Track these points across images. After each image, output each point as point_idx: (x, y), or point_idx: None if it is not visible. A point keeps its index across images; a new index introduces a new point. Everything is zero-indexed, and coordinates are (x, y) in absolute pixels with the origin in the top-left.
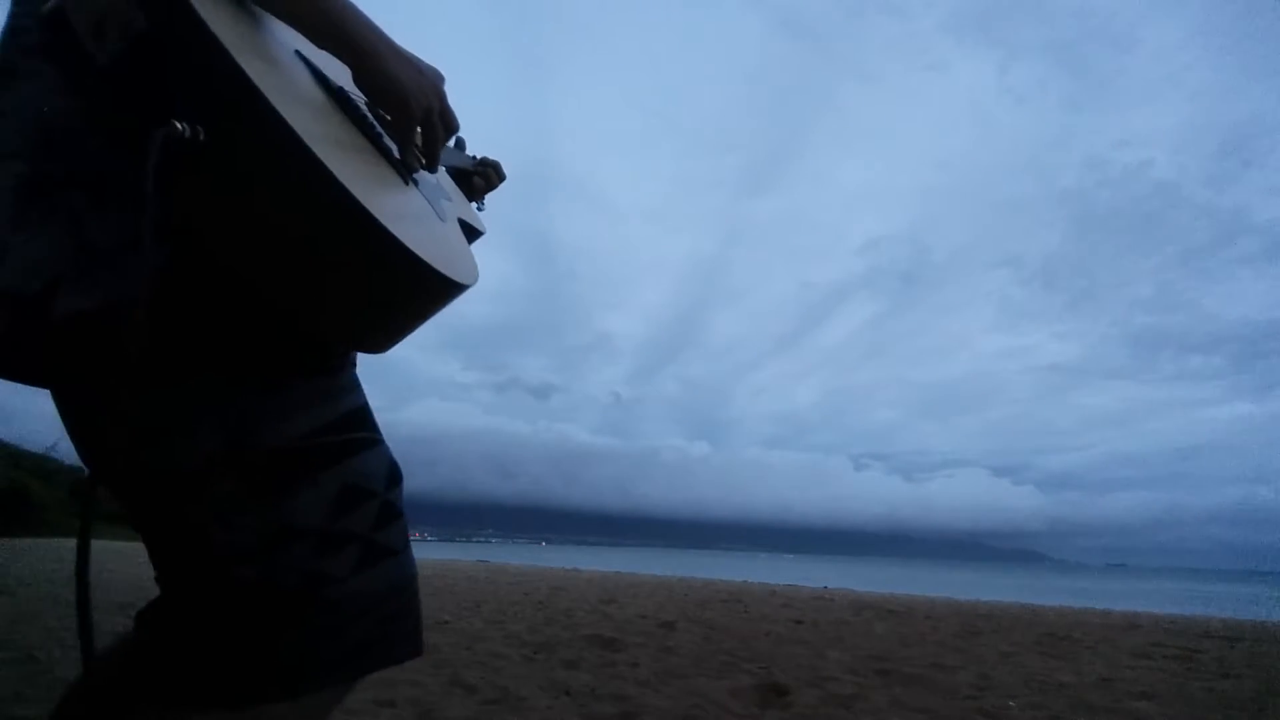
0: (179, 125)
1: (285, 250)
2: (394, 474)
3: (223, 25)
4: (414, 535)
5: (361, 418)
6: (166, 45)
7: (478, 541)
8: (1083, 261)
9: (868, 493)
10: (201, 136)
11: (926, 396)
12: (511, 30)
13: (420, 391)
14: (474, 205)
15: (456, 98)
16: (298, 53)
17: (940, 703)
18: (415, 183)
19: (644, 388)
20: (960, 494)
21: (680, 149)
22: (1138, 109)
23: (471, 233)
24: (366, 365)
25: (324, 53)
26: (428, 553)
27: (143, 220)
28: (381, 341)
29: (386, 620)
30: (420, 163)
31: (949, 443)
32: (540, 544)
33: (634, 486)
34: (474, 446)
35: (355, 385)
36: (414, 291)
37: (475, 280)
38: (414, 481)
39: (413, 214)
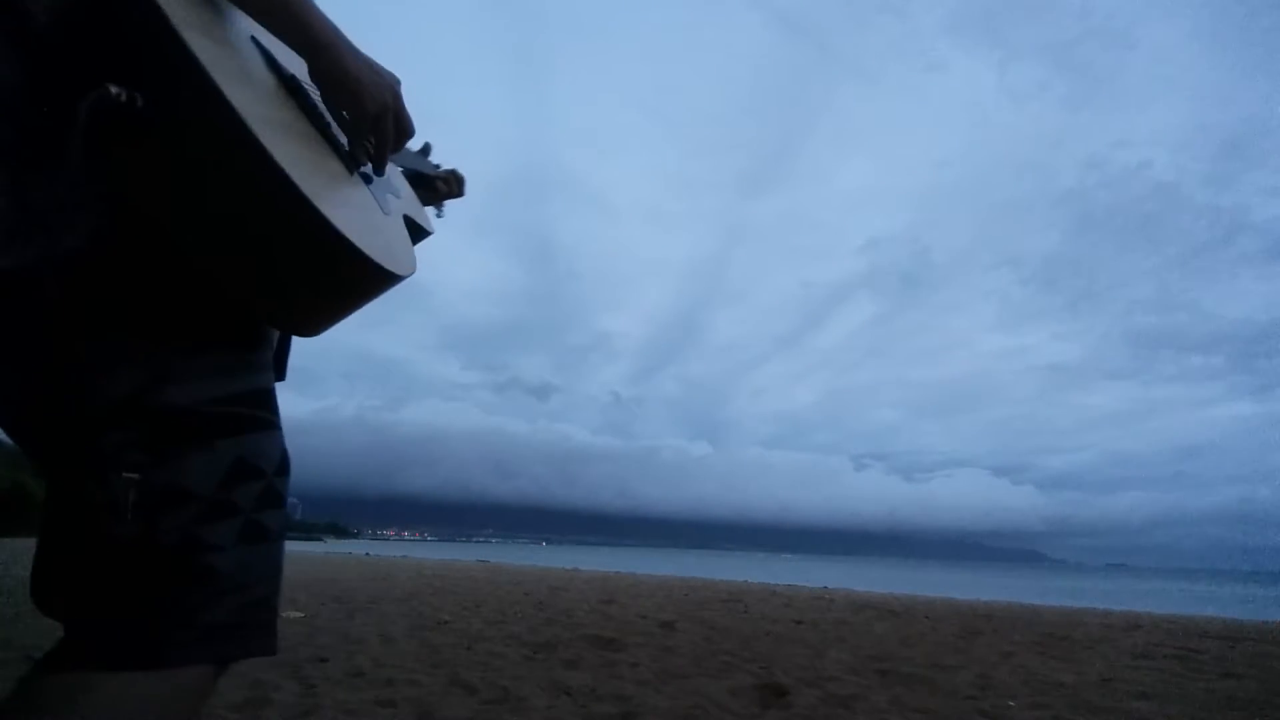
0: (114, 90)
1: (218, 224)
2: (284, 463)
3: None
4: (414, 535)
5: (266, 399)
6: (109, 9)
7: (478, 541)
8: (1083, 262)
9: (868, 493)
10: (139, 103)
11: (926, 396)
12: (511, 30)
13: (420, 391)
14: (431, 210)
15: (457, 98)
16: (253, 39)
17: (940, 703)
18: (363, 177)
19: (644, 388)
20: (960, 494)
21: (680, 149)
22: (1137, 109)
23: (418, 231)
24: (368, 366)
25: (280, 44)
26: (428, 553)
27: (74, 182)
28: (311, 323)
29: (250, 606)
30: (368, 158)
31: (949, 443)
32: (540, 544)
33: (634, 486)
34: (474, 446)
35: (267, 366)
36: (345, 276)
37: (410, 272)
38: (414, 481)
39: (353, 203)
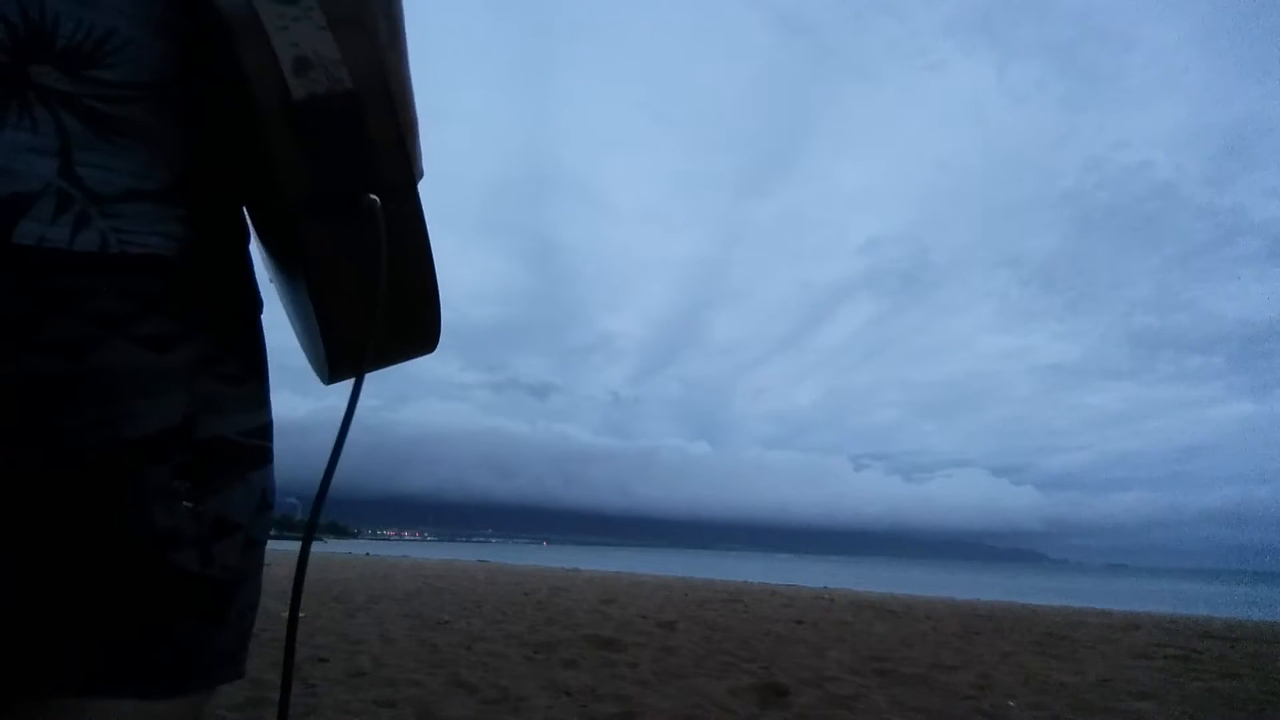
0: (375, 199)
1: (367, 300)
2: (275, 495)
3: None
4: (414, 535)
5: (272, 432)
6: (363, 111)
7: (478, 541)
8: (1082, 262)
9: (867, 492)
10: (378, 205)
11: (926, 396)
12: (512, 30)
13: (419, 391)
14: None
15: (458, 98)
16: None
17: (940, 703)
18: None
19: (644, 388)
20: (960, 494)
21: (681, 149)
22: (1137, 110)
23: None
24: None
25: None
26: (428, 553)
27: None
28: (347, 375)
29: (247, 634)
30: None
31: (949, 443)
32: (541, 544)
33: (634, 486)
34: (474, 446)
35: (270, 398)
36: (410, 347)
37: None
38: (414, 481)
39: None
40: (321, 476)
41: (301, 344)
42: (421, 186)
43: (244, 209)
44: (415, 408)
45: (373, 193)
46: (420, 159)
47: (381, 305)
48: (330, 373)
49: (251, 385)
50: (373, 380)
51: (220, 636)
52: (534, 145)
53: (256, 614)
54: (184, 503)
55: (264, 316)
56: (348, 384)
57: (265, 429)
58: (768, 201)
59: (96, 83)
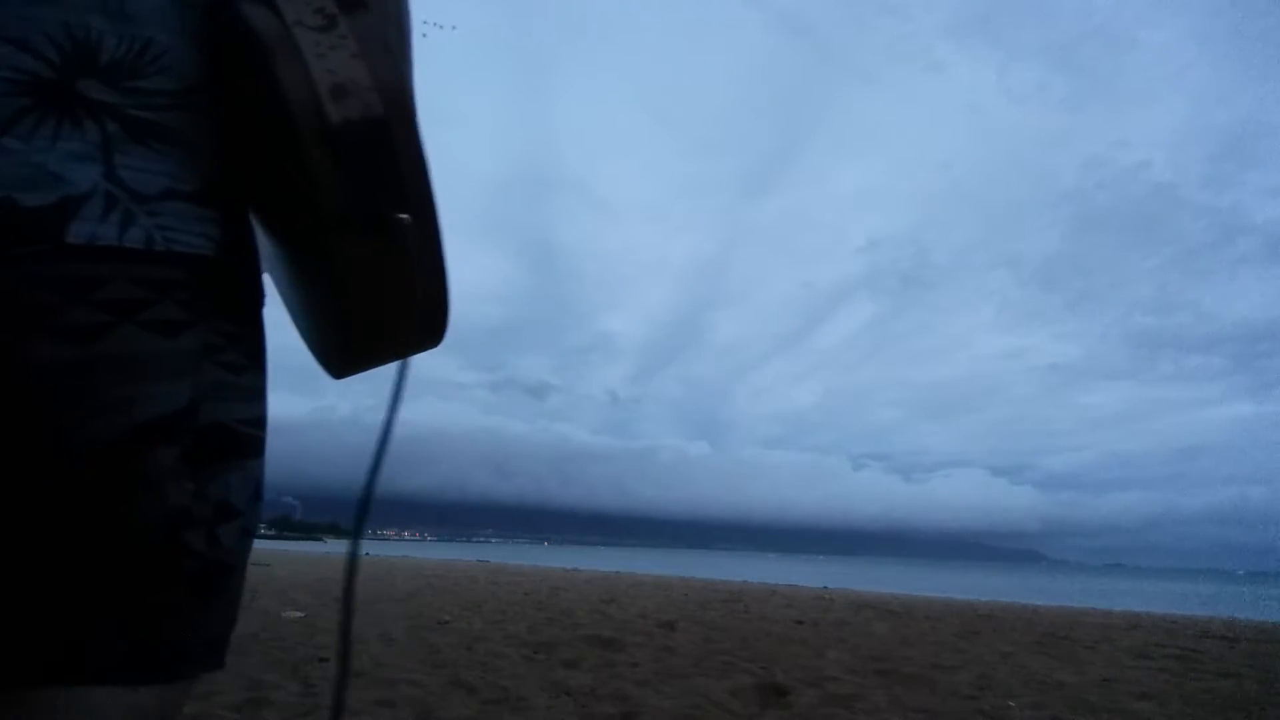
0: (407, 218)
1: (386, 305)
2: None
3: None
4: (414, 535)
5: (266, 424)
6: (391, 135)
7: (478, 541)
8: (1082, 262)
9: (867, 492)
10: (408, 224)
11: (926, 396)
12: (512, 30)
13: (418, 391)
14: None
15: (458, 98)
16: None
17: (940, 703)
18: None
19: (644, 388)
20: (959, 494)
21: (681, 150)
22: (1136, 110)
23: None
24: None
25: None
26: (428, 553)
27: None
28: (363, 365)
29: (230, 624)
30: None
31: (948, 443)
32: (542, 544)
33: (633, 486)
34: (473, 446)
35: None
36: (417, 344)
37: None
38: (413, 481)
39: None
40: (321, 475)
41: (307, 342)
42: None
43: (254, 213)
44: (414, 407)
45: (401, 212)
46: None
47: (405, 310)
48: (341, 372)
49: (250, 376)
50: (371, 380)
51: (210, 623)
52: (534, 145)
53: (237, 611)
54: (189, 484)
55: (265, 315)
56: (349, 384)
57: (261, 420)
58: (768, 202)
59: (137, 92)
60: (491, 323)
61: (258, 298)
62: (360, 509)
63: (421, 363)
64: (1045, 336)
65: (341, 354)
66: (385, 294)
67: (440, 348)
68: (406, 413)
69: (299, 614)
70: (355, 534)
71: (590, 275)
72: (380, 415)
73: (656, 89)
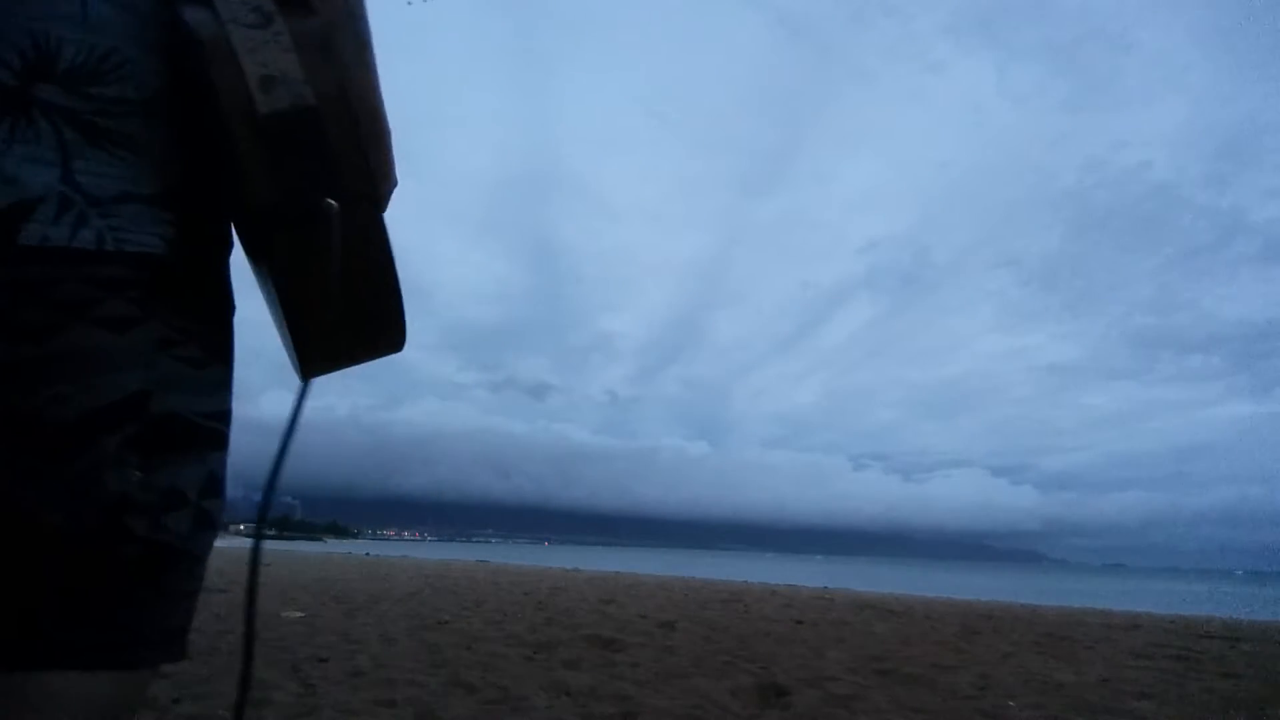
0: (333, 204)
1: (334, 297)
2: (225, 483)
3: None
4: (414, 535)
5: (230, 419)
6: (323, 126)
7: (478, 541)
8: (1082, 262)
9: (867, 492)
10: (334, 210)
11: (926, 396)
12: (512, 30)
13: (416, 391)
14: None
15: (459, 98)
16: None
17: (940, 703)
18: None
19: (643, 388)
20: (959, 494)
21: (681, 149)
22: (1136, 110)
23: None
24: (367, 365)
25: None
26: (428, 553)
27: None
28: (329, 365)
29: (190, 612)
30: None
31: (948, 443)
32: (542, 544)
33: (633, 487)
34: (472, 446)
35: (232, 387)
36: (380, 344)
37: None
38: (412, 481)
39: None
40: (320, 475)
41: (283, 343)
42: (422, 187)
43: (228, 219)
44: (413, 408)
45: (335, 200)
46: (393, 167)
47: (335, 304)
48: (303, 369)
49: (212, 371)
50: (369, 380)
51: (167, 613)
52: (534, 145)
53: (195, 604)
54: (135, 472)
55: (259, 316)
56: (349, 384)
57: (223, 414)
58: (768, 202)
59: (96, 99)
60: (491, 323)
61: (222, 301)
62: (262, 512)
63: (421, 363)
64: (1045, 336)
65: (302, 353)
66: (326, 290)
67: (440, 348)
68: (407, 413)
69: (299, 614)
70: (257, 538)
71: (590, 275)
72: (378, 416)
73: (656, 89)
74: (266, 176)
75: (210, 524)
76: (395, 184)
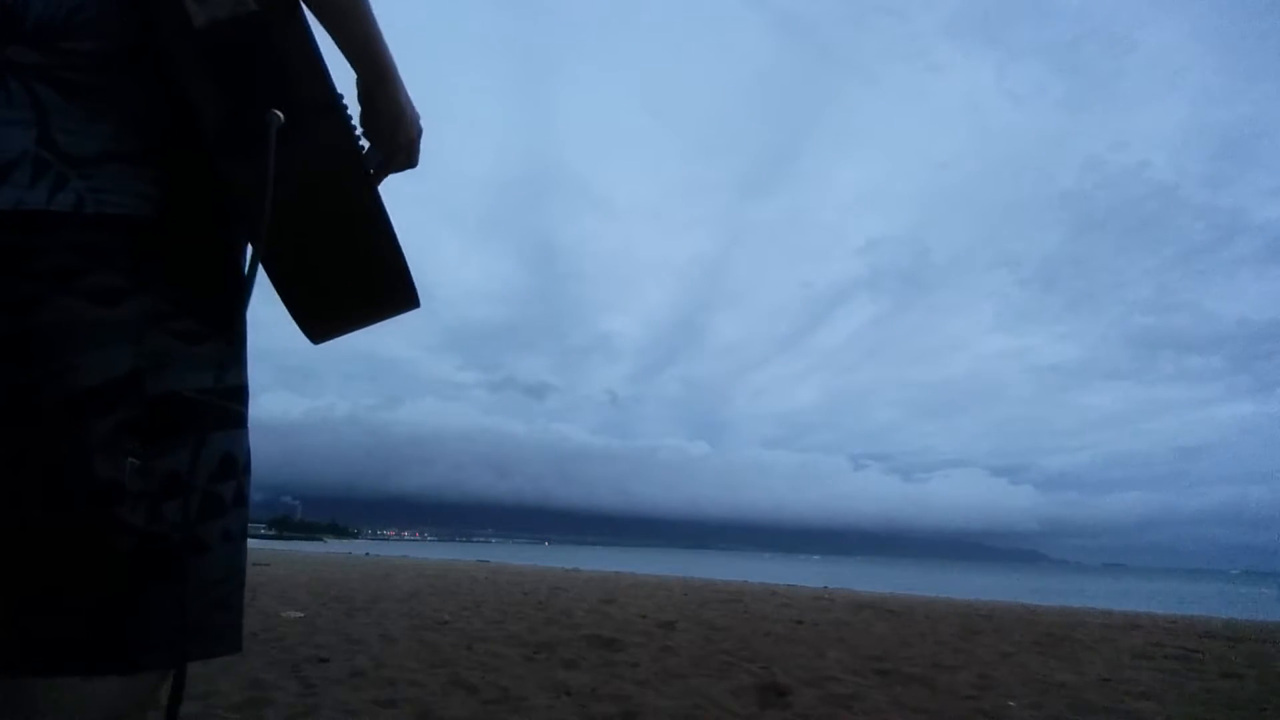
0: (279, 114)
1: (312, 235)
2: (249, 461)
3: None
4: (414, 535)
5: (246, 396)
6: (269, 34)
7: (478, 541)
8: (1082, 262)
9: (867, 492)
10: (282, 122)
11: (926, 396)
12: (513, 30)
13: (416, 391)
14: None
15: (459, 98)
16: None
17: (940, 703)
18: None
19: (643, 388)
20: (959, 494)
21: (681, 150)
22: (1136, 110)
23: None
24: (361, 365)
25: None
26: (428, 553)
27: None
28: (333, 328)
29: (217, 606)
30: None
31: (948, 443)
32: (542, 544)
33: (633, 486)
34: (472, 446)
35: (245, 362)
36: (387, 295)
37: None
38: (412, 481)
39: None
40: (320, 475)
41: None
42: (421, 187)
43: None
44: (412, 407)
45: (287, 112)
46: (391, 69)
47: (307, 240)
48: (303, 327)
49: (212, 344)
50: (370, 380)
51: (176, 608)
52: (534, 145)
53: (234, 589)
54: (130, 458)
55: (256, 315)
56: (349, 384)
57: (232, 391)
58: (768, 202)
59: (68, 54)
60: (491, 323)
61: (222, 267)
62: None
63: (421, 363)
64: (1045, 336)
65: (292, 307)
66: (294, 228)
67: (440, 348)
68: (407, 413)
69: (299, 614)
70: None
71: (590, 275)
72: (378, 415)
73: (656, 89)
74: (212, 97)
75: (220, 510)
76: (410, 111)
